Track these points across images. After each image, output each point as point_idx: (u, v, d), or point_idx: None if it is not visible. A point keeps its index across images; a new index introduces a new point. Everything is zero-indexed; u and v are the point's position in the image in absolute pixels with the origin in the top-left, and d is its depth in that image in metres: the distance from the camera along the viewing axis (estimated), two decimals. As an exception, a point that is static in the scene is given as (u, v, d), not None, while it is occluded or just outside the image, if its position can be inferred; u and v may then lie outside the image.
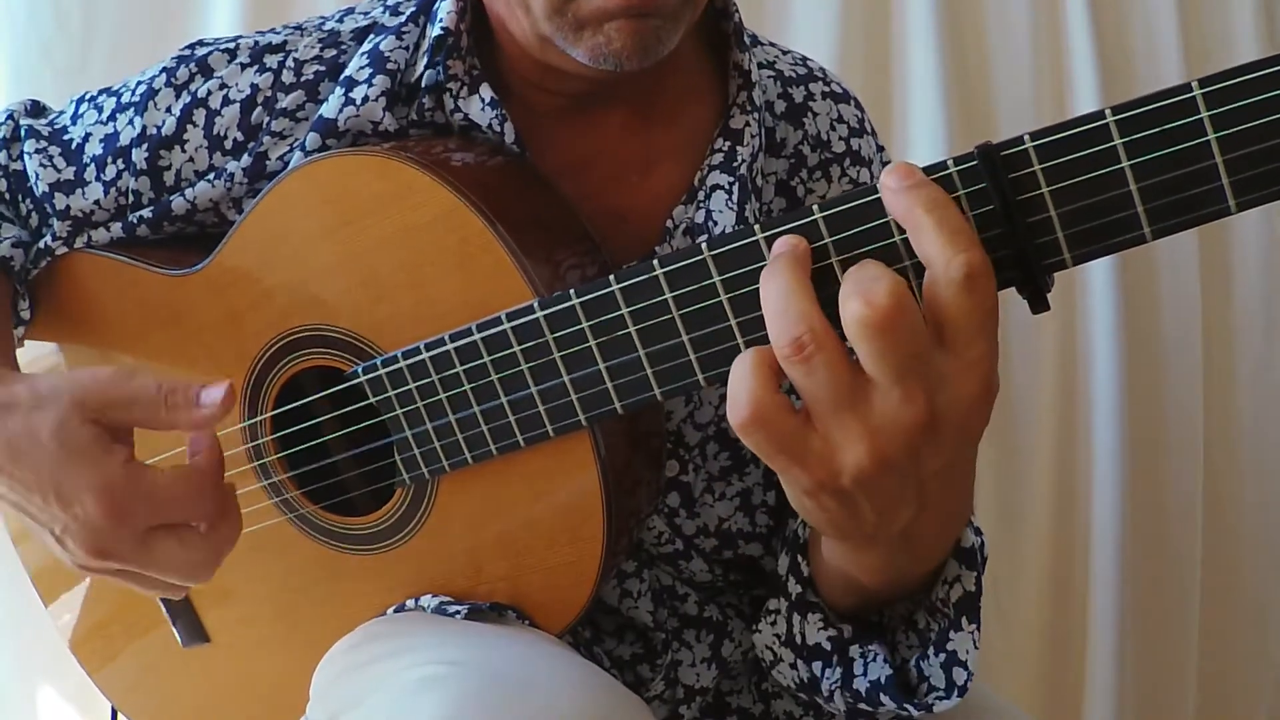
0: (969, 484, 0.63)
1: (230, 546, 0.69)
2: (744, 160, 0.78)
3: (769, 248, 0.55)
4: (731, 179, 0.78)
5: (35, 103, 0.91)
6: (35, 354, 0.91)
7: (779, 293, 0.52)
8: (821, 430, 0.52)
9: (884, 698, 0.67)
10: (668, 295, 0.59)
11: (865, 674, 0.69)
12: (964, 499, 0.63)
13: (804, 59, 0.89)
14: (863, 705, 0.69)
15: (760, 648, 0.75)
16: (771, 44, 0.89)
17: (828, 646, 0.70)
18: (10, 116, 0.88)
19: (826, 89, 0.87)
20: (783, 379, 0.53)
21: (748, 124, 0.79)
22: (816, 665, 0.71)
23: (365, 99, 0.77)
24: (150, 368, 0.84)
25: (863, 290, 0.50)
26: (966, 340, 0.50)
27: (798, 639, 0.72)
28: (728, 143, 0.79)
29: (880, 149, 0.89)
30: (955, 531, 0.65)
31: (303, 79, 0.80)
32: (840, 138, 0.85)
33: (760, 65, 0.84)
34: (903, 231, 0.53)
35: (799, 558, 0.73)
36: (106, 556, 0.67)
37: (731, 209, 0.77)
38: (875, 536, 0.59)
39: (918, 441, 0.52)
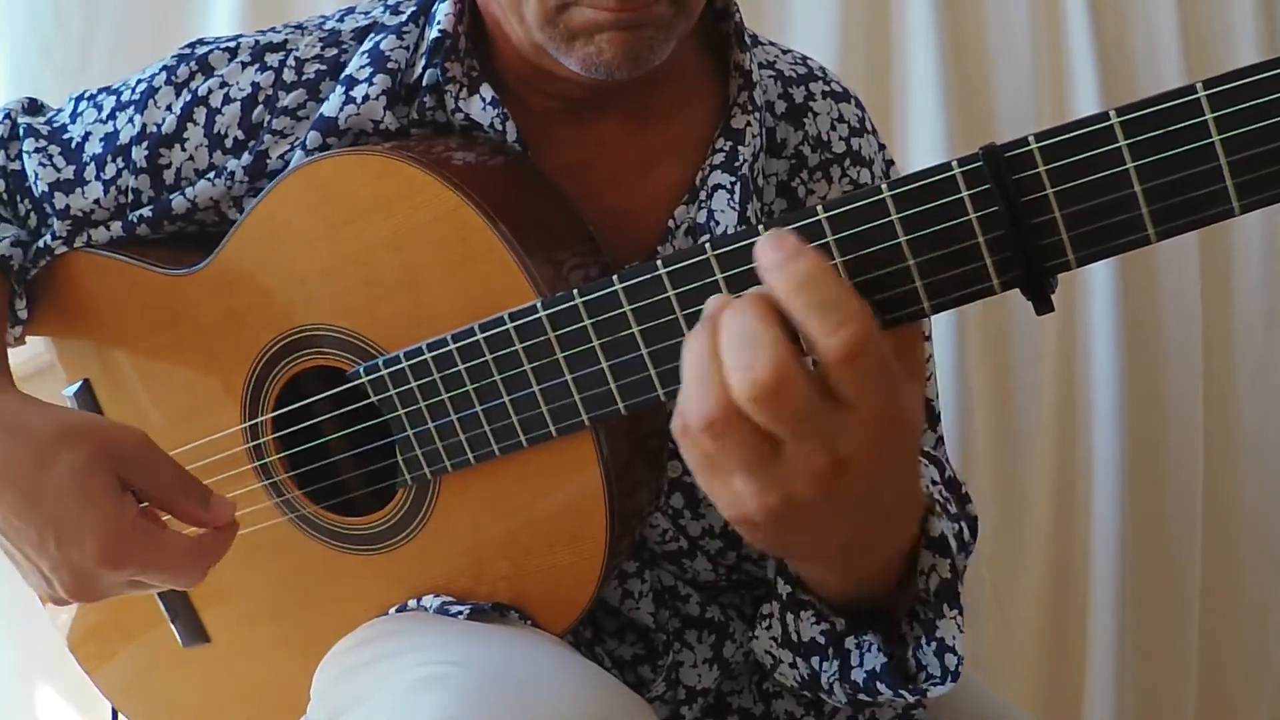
0: (905, 487, 0.62)
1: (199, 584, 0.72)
2: (746, 160, 0.78)
3: None
4: (733, 179, 0.78)
5: (33, 101, 0.91)
6: (30, 352, 0.91)
7: (697, 361, 0.52)
8: (736, 484, 0.54)
9: (881, 686, 0.68)
10: (671, 294, 0.59)
11: (862, 664, 0.69)
12: (903, 503, 0.63)
13: (804, 58, 0.89)
14: (862, 695, 0.70)
15: (760, 653, 0.75)
16: (772, 43, 0.89)
17: (822, 640, 0.70)
18: (8, 115, 0.87)
19: (827, 88, 0.86)
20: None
21: (749, 124, 0.79)
22: (815, 660, 0.71)
23: (366, 98, 0.77)
24: (150, 367, 0.84)
25: (745, 364, 0.50)
26: (858, 400, 0.51)
27: (793, 637, 0.72)
28: (729, 142, 0.79)
29: (882, 147, 0.89)
30: (904, 531, 0.65)
31: (304, 78, 0.80)
32: (841, 137, 0.85)
33: (760, 65, 0.84)
34: (907, 232, 0.53)
35: None
36: (90, 599, 0.69)
37: (734, 209, 0.77)
38: (815, 556, 0.61)
39: (830, 484, 0.53)
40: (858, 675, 0.69)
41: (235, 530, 0.72)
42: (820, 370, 0.51)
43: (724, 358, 0.51)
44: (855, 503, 0.55)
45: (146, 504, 0.68)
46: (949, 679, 0.66)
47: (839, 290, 0.51)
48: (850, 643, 0.70)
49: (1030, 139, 0.51)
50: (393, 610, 0.77)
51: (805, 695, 0.77)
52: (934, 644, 0.67)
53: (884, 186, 0.53)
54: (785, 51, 0.89)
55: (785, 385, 0.50)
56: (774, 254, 0.51)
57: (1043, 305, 0.54)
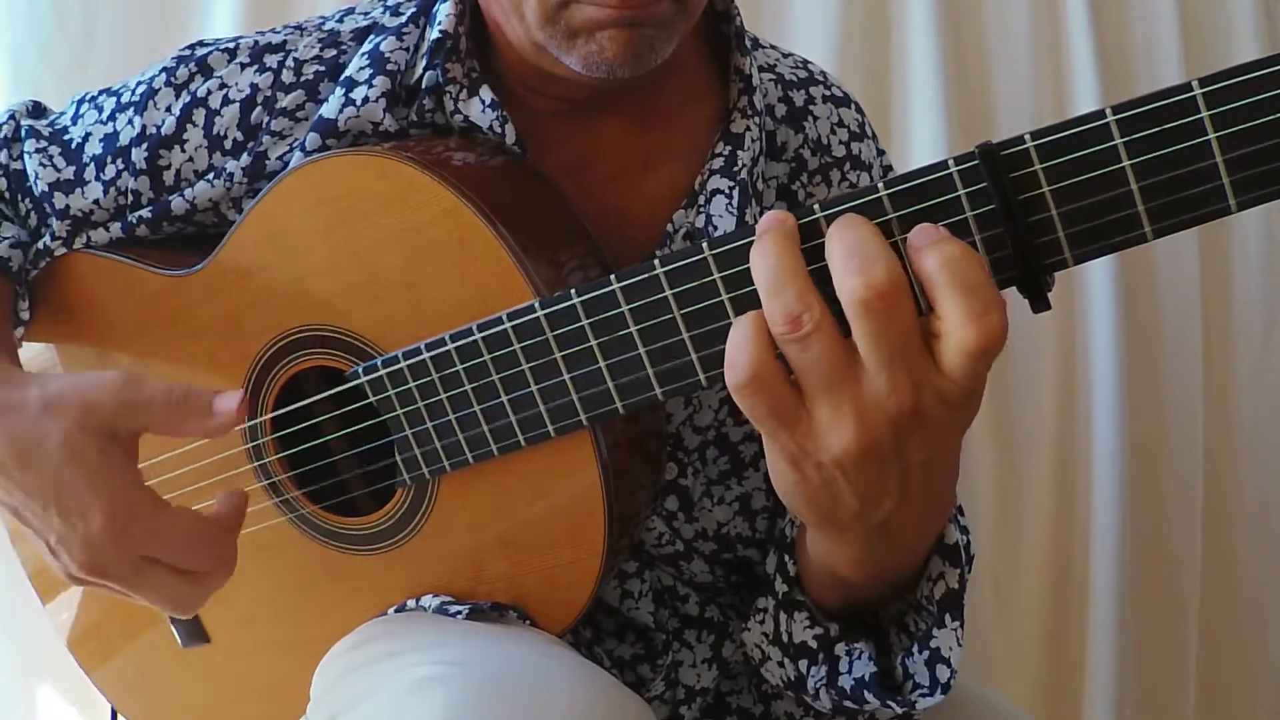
0: (952, 480, 0.62)
1: (219, 586, 0.70)
2: (744, 165, 0.78)
3: None
4: (732, 184, 0.78)
5: (36, 104, 0.91)
6: (30, 353, 0.91)
7: (773, 269, 0.52)
8: (812, 405, 0.53)
9: (867, 695, 0.67)
10: (668, 293, 0.59)
11: (850, 671, 0.69)
12: (946, 494, 0.63)
13: (804, 62, 0.89)
14: (848, 703, 0.69)
15: (750, 645, 0.75)
16: (772, 46, 0.89)
17: (814, 645, 0.70)
18: (11, 116, 0.88)
19: (827, 93, 0.86)
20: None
21: (748, 128, 0.79)
22: (803, 663, 0.71)
23: (365, 99, 0.77)
24: (150, 368, 0.84)
25: (862, 269, 0.50)
26: (958, 376, 0.51)
27: (784, 637, 0.72)
28: (728, 147, 0.79)
29: (881, 152, 0.89)
30: (936, 527, 0.65)
31: (303, 79, 0.80)
32: (840, 142, 0.85)
33: (761, 68, 0.84)
34: (903, 231, 0.53)
35: (785, 556, 0.73)
36: (98, 574, 0.67)
37: (732, 214, 0.77)
38: (854, 525, 0.59)
39: (904, 430, 0.52)
40: (845, 682, 0.69)
41: (245, 500, 0.71)
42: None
43: (832, 263, 0.51)
44: (917, 467, 0.55)
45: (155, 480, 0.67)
46: (939, 691, 0.66)
47: (986, 277, 0.50)
48: (841, 649, 0.70)
49: (1026, 137, 0.51)
50: (392, 610, 0.77)
51: (789, 694, 0.76)
52: (925, 653, 0.66)
53: (881, 185, 0.53)
54: (786, 55, 0.89)
55: (900, 298, 0.50)
56: (925, 235, 0.51)
57: (1040, 303, 0.54)
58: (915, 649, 0.67)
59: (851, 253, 0.51)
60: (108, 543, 0.65)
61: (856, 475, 0.54)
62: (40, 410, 0.66)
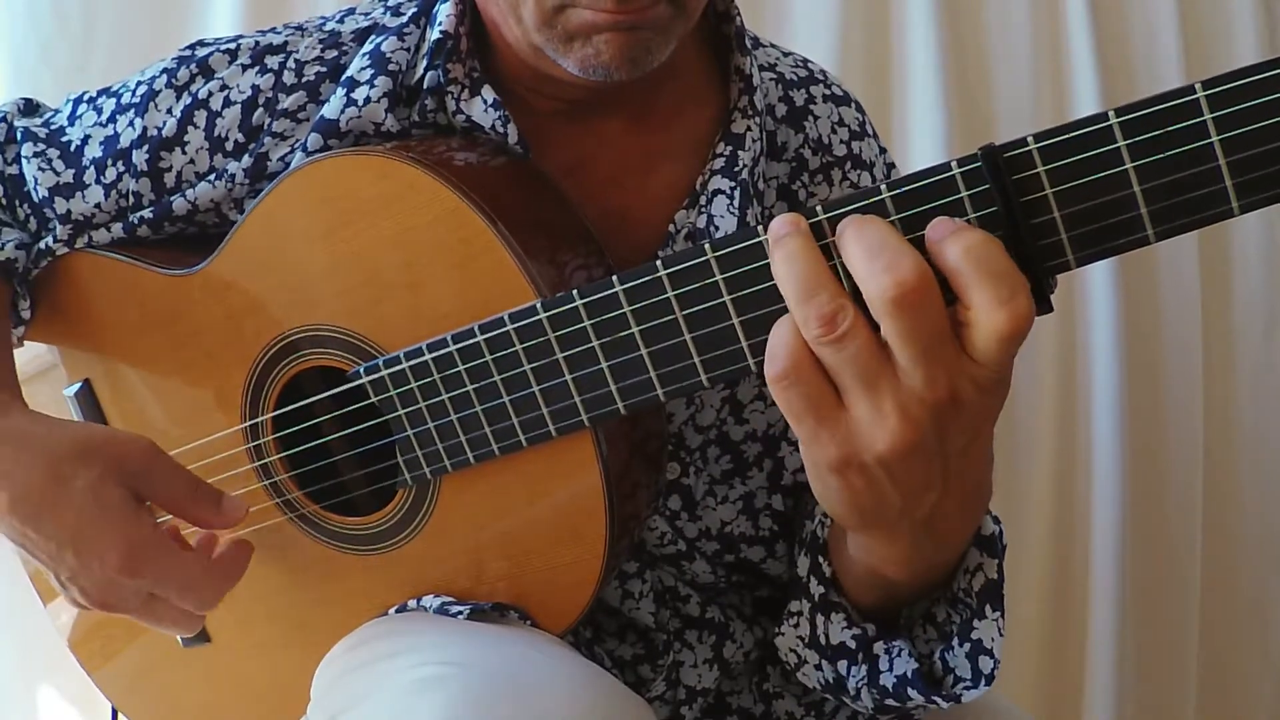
0: (989, 466, 0.63)
1: (213, 607, 0.73)
2: (745, 165, 0.78)
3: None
4: (733, 184, 0.78)
5: (29, 101, 0.91)
6: (33, 354, 0.91)
7: (802, 273, 0.52)
8: (851, 404, 0.53)
9: (911, 692, 0.67)
10: (670, 295, 0.59)
11: (891, 669, 0.69)
12: (984, 482, 0.63)
13: (805, 61, 0.89)
14: (890, 701, 0.69)
15: (784, 650, 0.75)
16: (773, 45, 0.89)
17: (852, 645, 0.70)
18: (4, 118, 0.87)
19: (827, 92, 0.86)
20: None
21: (749, 128, 0.79)
22: (842, 664, 0.71)
23: (367, 100, 0.77)
24: (150, 368, 0.84)
25: (890, 266, 0.50)
26: (991, 363, 0.52)
27: (822, 640, 0.72)
28: (729, 147, 0.79)
29: (883, 150, 0.89)
30: (976, 518, 0.66)
31: (304, 80, 0.80)
32: (841, 141, 0.85)
33: (761, 68, 0.84)
34: (906, 233, 0.53)
35: (820, 558, 0.73)
36: (107, 608, 0.70)
37: (733, 214, 0.77)
38: (899, 523, 0.59)
39: (945, 420, 0.53)
40: (887, 680, 0.69)
41: (250, 551, 0.75)
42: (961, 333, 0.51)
43: (855, 264, 0.51)
44: (957, 454, 0.55)
45: (165, 518, 0.70)
46: (982, 682, 0.66)
47: (1009, 261, 0.51)
48: (880, 648, 0.70)
49: (1029, 139, 0.51)
50: (393, 610, 0.77)
51: (828, 697, 0.76)
52: (967, 645, 0.66)
53: (883, 187, 0.53)
54: (786, 54, 0.89)
55: (930, 293, 0.50)
56: (943, 228, 0.51)
57: (1042, 305, 0.54)
58: (956, 642, 0.67)
59: (874, 252, 0.51)
60: (123, 579, 0.68)
61: (901, 471, 0.55)
62: (67, 451, 0.68)
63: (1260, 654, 1.63)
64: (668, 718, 0.84)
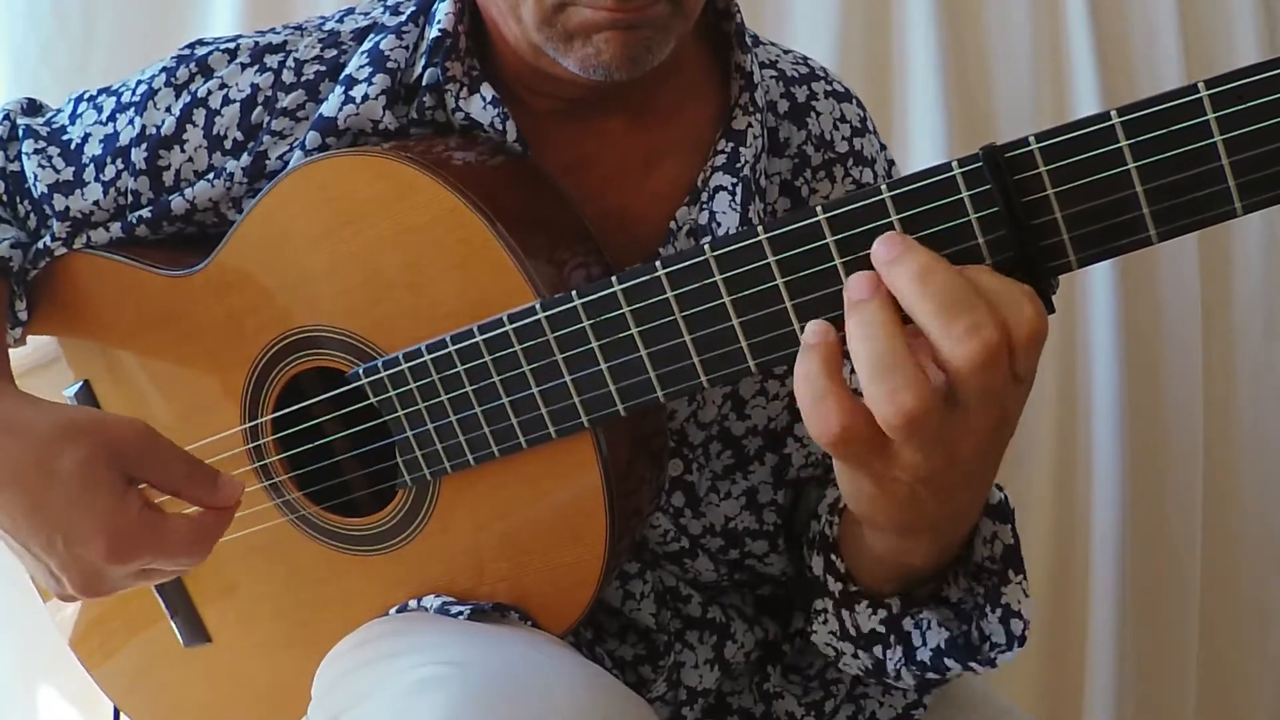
0: (995, 468, 0.63)
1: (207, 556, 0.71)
2: (747, 161, 0.78)
3: (771, 248, 0.55)
4: (735, 180, 0.78)
5: (32, 101, 0.91)
6: (33, 351, 0.90)
7: (881, 352, 0.52)
8: (902, 447, 0.54)
9: (949, 661, 0.69)
10: (670, 295, 0.59)
11: (925, 643, 0.71)
12: (989, 479, 0.64)
13: (805, 58, 0.89)
14: (931, 674, 0.71)
15: (820, 645, 0.76)
16: (773, 43, 0.89)
17: (882, 629, 0.72)
18: (7, 116, 0.87)
19: (829, 88, 0.86)
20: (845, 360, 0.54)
21: (750, 125, 0.79)
22: (877, 649, 0.73)
23: (365, 98, 0.77)
24: (150, 368, 0.84)
25: (973, 331, 0.50)
26: (977, 407, 0.53)
27: (852, 631, 0.73)
28: (731, 144, 0.79)
29: (883, 147, 0.89)
30: (986, 493, 0.67)
31: (303, 79, 0.80)
32: (843, 137, 0.85)
33: (762, 65, 0.84)
34: (907, 233, 0.53)
35: (833, 556, 0.74)
36: (98, 594, 0.68)
37: (735, 210, 0.77)
38: (935, 524, 0.62)
39: (936, 480, 0.55)
40: (923, 655, 0.70)
41: (240, 488, 0.71)
42: (948, 379, 0.52)
43: (929, 322, 0.51)
44: (956, 486, 0.57)
45: (145, 486, 0.68)
46: (1015, 645, 0.68)
47: (965, 290, 0.51)
48: (908, 624, 0.71)
49: (1031, 139, 0.51)
50: (393, 611, 0.77)
51: (870, 681, 0.79)
52: (999, 610, 0.68)
53: (884, 187, 0.53)
54: (786, 51, 0.89)
55: (928, 415, 0.51)
56: (888, 251, 0.52)
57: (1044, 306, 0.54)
58: (988, 609, 0.68)
59: (953, 311, 0.51)
60: (112, 566, 0.66)
61: (937, 486, 0.57)
62: (54, 434, 0.66)
63: (1260, 654, 1.63)
64: (668, 718, 0.84)
